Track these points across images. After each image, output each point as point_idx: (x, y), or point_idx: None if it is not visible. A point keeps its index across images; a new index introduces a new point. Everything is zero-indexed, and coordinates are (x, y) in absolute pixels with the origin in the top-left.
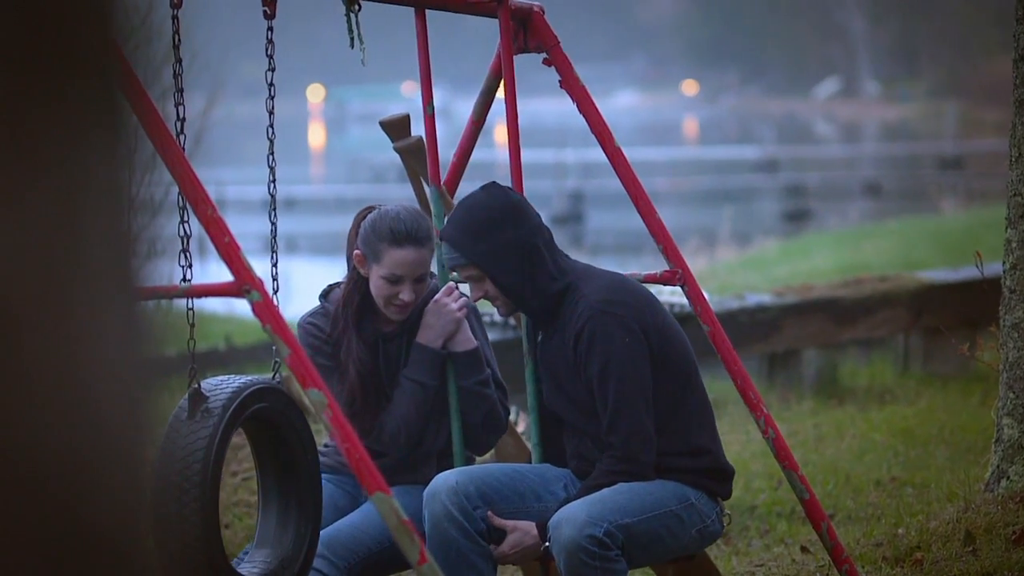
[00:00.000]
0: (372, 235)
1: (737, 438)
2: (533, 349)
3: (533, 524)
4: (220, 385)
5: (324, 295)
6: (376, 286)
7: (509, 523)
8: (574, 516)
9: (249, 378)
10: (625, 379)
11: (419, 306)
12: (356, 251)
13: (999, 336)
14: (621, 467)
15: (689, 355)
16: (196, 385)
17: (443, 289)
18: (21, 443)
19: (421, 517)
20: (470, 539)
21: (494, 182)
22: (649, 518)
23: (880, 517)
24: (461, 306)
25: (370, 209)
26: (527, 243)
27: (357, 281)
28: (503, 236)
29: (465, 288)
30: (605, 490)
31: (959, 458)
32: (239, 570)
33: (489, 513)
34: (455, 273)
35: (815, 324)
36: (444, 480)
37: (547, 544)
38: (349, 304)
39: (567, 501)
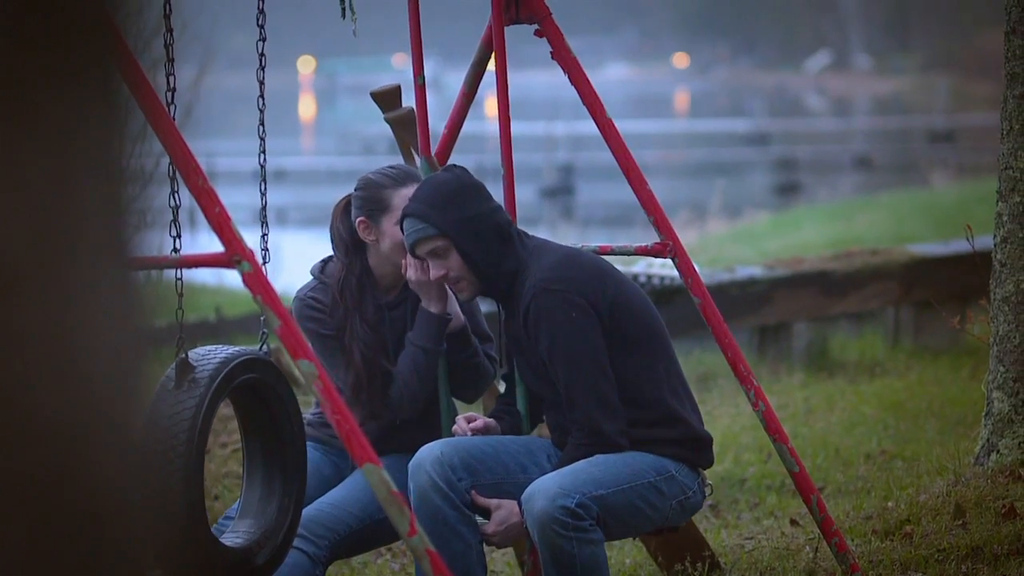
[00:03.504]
0: (371, 192)
1: (727, 411)
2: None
3: (516, 502)
4: (207, 355)
5: (319, 269)
6: (395, 237)
7: (493, 501)
8: (546, 488)
9: (237, 349)
10: (575, 354)
11: None
12: (360, 219)
13: (989, 309)
14: (587, 440)
15: (653, 323)
16: (183, 355)
17: (410, 265)
18: (13, 411)
19: (405, 487)
20: (456, 508)
21: (456, 164)
22: (625, 489)
23: (870, 490)
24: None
25: (348, 198)
26: (495, 218)
27: (350, 264)
28: (473, 207)
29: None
30: (581, 462)
31: (949, 431)
32: (222, 540)
33: (473, 492)
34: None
35: (806, 297)
36: (429, 451)
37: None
38: (347, 289)
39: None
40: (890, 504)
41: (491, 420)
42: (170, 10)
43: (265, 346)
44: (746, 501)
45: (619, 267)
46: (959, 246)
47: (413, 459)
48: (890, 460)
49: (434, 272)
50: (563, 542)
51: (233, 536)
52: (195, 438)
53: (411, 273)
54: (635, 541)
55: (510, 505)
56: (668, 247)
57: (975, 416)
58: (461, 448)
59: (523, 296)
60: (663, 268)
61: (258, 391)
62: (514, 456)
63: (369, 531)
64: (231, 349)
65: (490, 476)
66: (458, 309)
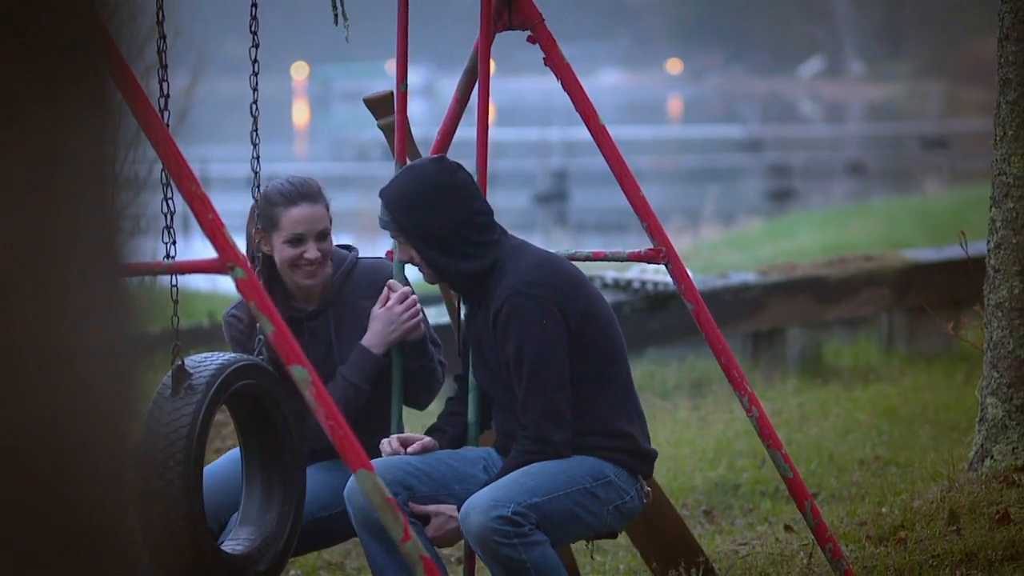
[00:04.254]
0: (265, 205)
1: (721, 417)
2: (465, 338)
3: (453, 507)
4: (204, 362)
5: None
6: (281, 255)
7: (431, 508)
8: (480, 502)
9: (233, 355)
10: (539, 361)
11: (339, 280)
12: (255, 230)
13: (983, 315)
14: (533, 447)
15: (616, 339)
16: (180, 362)
17: (398, 294)
18: (7, 418)
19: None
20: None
21: (444, 156)
22: (560, 496)
23: (864, 496)
24: (413, 315)
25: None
26: (454, 227)
27: (258, 271)
28: (432, 216)
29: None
30: (514, 472)
31: (943, 437)
32: (223, 548)
33: (409, 502)
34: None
35: (799, 303)
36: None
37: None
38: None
39: (488, 482)
40: (884, 510)
41: (428, 439)
42: (163, 16)
43: (260, 352)
44: (740, 507)
45: (613, 273)
46: (953, 252)
47: (348, 484)
48: (884, 466)
49: (399, 254)
50: (508, 550)
51: (234, 544)
52: (193, 445)
53: (377, 305)
54: (629, 547)
55: (447, 509)
56: (661, 253)
57: (969, 422)
58: (394, 467)
59: (496, 296)
60: (656, 274)
61: (255, 397)
62: (449, 467)
63: (335, 520)
64: (227, 356)
65: (426, 490)
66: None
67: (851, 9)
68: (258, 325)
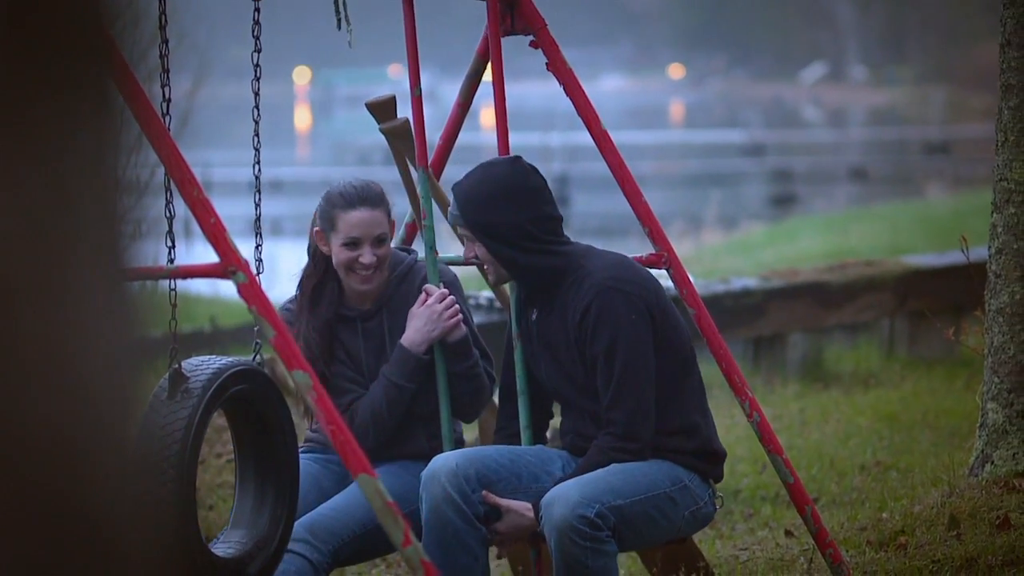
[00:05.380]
0: (326, 206)
1: (722, 422)
2: (525, 330)
3: (529, 504)
4: (201, 365)
5: (300, 280)
6: (338, 257)
7: (504, 502)
8: (566, 495)
9: (230, 359)
10: (632, 356)
11: (394, 281)
12: (315, 229)
13: (984, 321)
14: (620, 444)
15: (689, 339)
16: (177, 365)
17: (436, 294)
18: (8, 422)
19: (405, 496)
20: (467, 522)
21: (520, 158)
22: (642, 499)
23: (864, 501)
24: (453, 313)
25: None
26: (525, 227)
27: (314, 267)
28: (503, 215)
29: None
30: (599, 471)
31: (943, 442)
32: (214, 550)
33: (485, 492)
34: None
35: (801, 308)
36: (444, 462)
37: (541, 524)
38: (305, 290)
39: (567, 477)
40: (884, 515)
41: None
42: (166, 21)
43: (259, 356)
44: (741, 512)
45: None
46: (954, 257)
47: (427, 470)
48: (885, 471)
49: (465, 253)
50: (579, 551)
51: (225, 546)
52: (188, 448)
53: (415, 305)
54: (629, 552)
55: (521, 507)
56: (663, 258)
57: (969, 427)
58: (476, 460)
59: (580, 292)
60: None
61: (251, 401)
62: (528, 466)
63: (371, 537)
64: (224, 359)
65: (503, 487)
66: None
67: (854, 14)
68: (256, 329)
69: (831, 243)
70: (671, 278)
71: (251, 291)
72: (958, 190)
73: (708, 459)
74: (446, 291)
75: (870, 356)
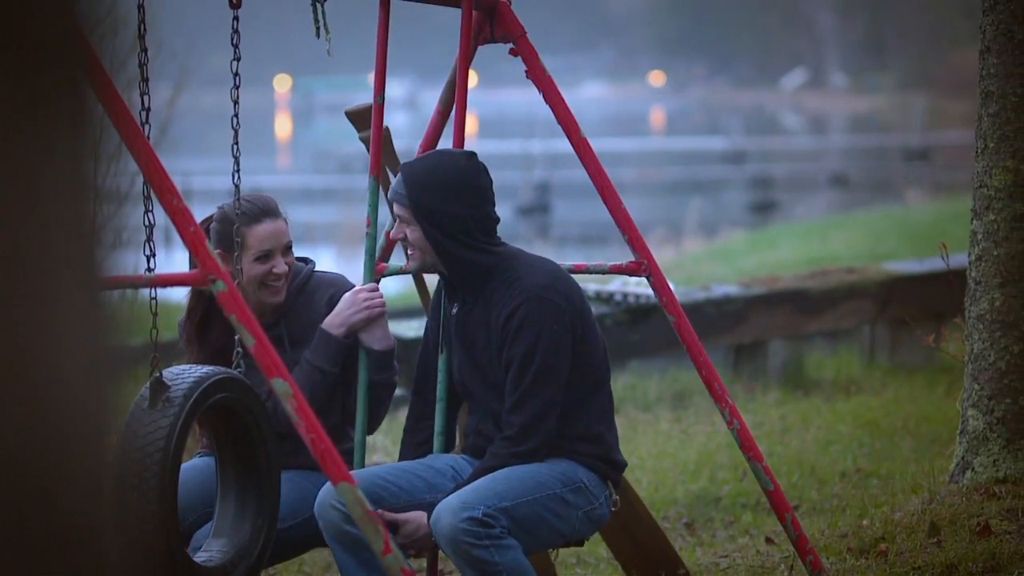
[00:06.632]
0: (225, 227)
1: (702, 429)
2: (443, 323)
3: (424, 514)
4: (182, 374)
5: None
6: (250, 273)
7: (400, 516)
8: (449, 505)
9: (210, 368)
10: (545, 365)
11: (293, 292)
12: (217, 252)
13: (964, 327)
14: (512, 449)
15: (606, 358)
16: (158, 374)
17: (368, 285)
18: None
19: (303, 503)
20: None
21: (475, 154)
22: (530, 500)
23: (845, 508)
24: (378, 303)
25: (209, 220)
26: (467, 222)
27: (198, 299)
28: (450, 207)
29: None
30: (484, 479)
31: (924, 449)
32: (195, 559)
33: (379, 511)
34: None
35: (781, 315)
36: (330, 490)
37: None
38: (192, 317)
39: (457, 488)
40: (865, 522)
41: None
42: (145, 29)
43: (239, 365)
44: (721, 519)
45: (594, 285)
46: (934, 264)
47: (318, 497)
48: (865, 478)
49: (394, 232)
50: (480, 552)
51: (206, 556)
52: (169, 457)
53: (359, 288)
54: (610, 559)
55: (417, 517)
56: (643, 265)
57: (950, 434)
58: (363, 479)
59: (510, 295)
60: (638, 286)
61: (232, 410)
62: (418, 477)
63: (300, 529)
64: (205, 368)
65: (395, 502)
66: (389, 331)
67: (834, 21)
68: (237, 337)
69: (812, 250)
70: (651, 286)
71: (231, 300)
72: (938, 197)
73: (608, 463)
74: (374, 284)
75: (851, 363)
